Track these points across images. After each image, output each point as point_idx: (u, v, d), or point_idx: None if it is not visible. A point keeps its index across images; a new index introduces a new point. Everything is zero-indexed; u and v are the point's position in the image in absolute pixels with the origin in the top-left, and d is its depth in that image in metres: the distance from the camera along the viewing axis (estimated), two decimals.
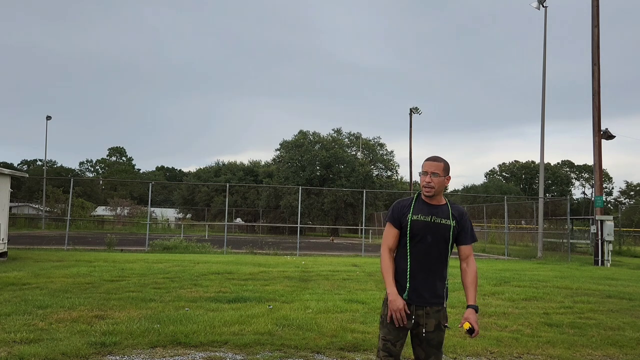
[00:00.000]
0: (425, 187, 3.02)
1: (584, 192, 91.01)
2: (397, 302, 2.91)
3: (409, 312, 2.94)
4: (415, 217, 3.00)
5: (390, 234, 3.07)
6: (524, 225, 34.75)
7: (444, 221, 3.01)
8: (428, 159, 3.06)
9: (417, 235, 2.98)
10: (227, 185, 25.58)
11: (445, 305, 3.06)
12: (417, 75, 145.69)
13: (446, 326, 3.03)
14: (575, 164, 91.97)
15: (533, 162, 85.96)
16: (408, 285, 2.98)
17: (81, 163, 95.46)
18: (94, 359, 4.72)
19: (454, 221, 3.03)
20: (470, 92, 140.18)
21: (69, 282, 9.21)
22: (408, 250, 2.99)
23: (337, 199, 45.28)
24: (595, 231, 19.32)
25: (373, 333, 5.83)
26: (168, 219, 53.55)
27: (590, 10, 20.33)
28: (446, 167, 3.04)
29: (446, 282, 3.09)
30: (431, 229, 2.98)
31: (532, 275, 12.79)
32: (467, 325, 2.94)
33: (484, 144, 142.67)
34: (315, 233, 51.62)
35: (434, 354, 2.99)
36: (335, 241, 35.51)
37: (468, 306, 3.02)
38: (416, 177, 42.38)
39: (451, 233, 3.01)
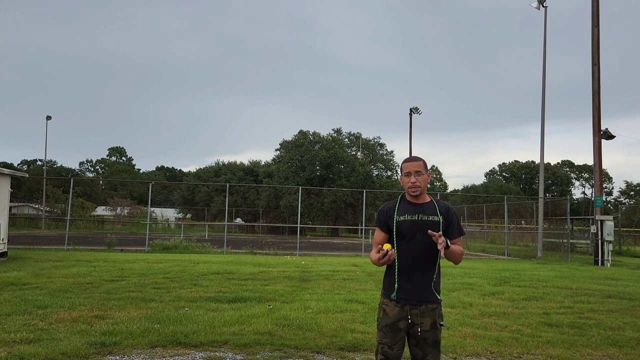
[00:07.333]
0: (411, 187, 3.04)
1: (584, 192, 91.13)
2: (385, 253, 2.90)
3: (393, 256, 2.92)
4: (401, 218, 3.03)
5: (379, 237, 3.13)
6: (524, 225, 34.77)
7: (431, 218, 3.03)
8: (407, 161, 3.11)
9: (406, 235, 3.00)
10: (227, 185, 25.57)
11: (440, 304, 3.07)
12: (417, 75, 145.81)
13: (442, 324, 3.05)
14: (575, 164, 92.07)
15: (533, 162, 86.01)
16: (397, 285, 2.99)
17: (81, 163, 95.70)
18: (94, 359, 4.72)
19: (441, 217, 3.05)
20: (470, 92, 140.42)
21: (69, 282, 9.21)
22: (396, 251, 3.01)
23: (337, 199, 45.26)
24: (595, 231, 19.32)
25: (373, 333, 5.83)
26: (168, 219, 53.52)
27: (590, 10, 20.36)
28: (425, 165, 3.11)
29: (439, 279, 3.09)
30: (419, 227, 3.00)
31: (532, 275, 12.80)
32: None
33: (484, 144, 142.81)
34: (315, 233, 51.60)
35: (430, 352, 3.00)
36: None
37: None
38: None
39: (440, 229, 3.02)
